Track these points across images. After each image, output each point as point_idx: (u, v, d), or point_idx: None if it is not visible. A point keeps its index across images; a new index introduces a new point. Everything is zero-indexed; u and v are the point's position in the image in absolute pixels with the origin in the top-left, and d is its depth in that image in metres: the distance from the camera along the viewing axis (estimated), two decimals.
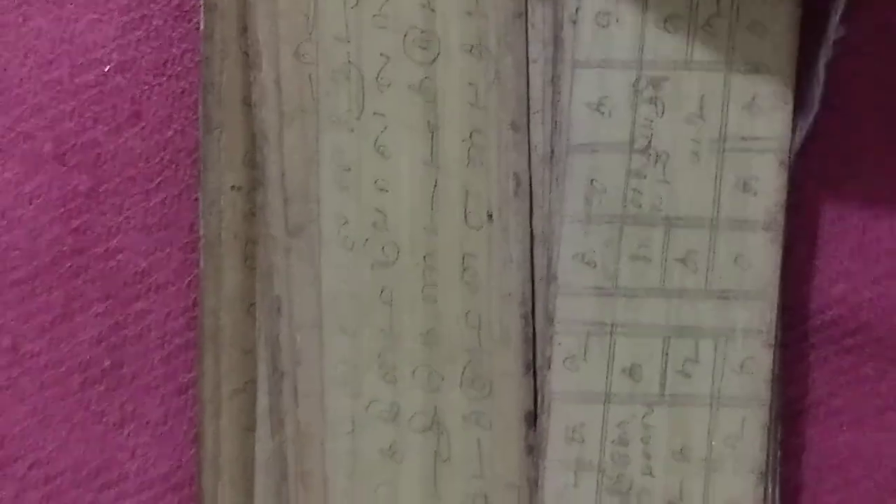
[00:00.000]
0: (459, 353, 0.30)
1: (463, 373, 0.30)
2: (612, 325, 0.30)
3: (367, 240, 0.30)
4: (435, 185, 0.30)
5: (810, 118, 0.30)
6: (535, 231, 0.30)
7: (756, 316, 0.30)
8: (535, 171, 0.30)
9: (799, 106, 0.30)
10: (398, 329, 0.30)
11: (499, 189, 0.30)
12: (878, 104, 0.32)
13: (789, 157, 0.30)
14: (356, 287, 0.30)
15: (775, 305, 0.30)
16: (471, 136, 0.30)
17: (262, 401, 0.31)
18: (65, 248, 0.33)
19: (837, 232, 0.33)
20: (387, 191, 0.30)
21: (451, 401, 0.30)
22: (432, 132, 0.30)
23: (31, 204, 0.33)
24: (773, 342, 0.30)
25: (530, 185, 0.30)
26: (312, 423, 0.30)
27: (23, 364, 0.33)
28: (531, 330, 0.30)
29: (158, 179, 0.33)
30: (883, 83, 0.32)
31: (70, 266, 0.33)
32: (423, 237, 0.30)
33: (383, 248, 0.30)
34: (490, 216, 0.30)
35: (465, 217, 0.30)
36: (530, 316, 0.30)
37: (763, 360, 0.30)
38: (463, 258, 0.30)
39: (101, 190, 0.33)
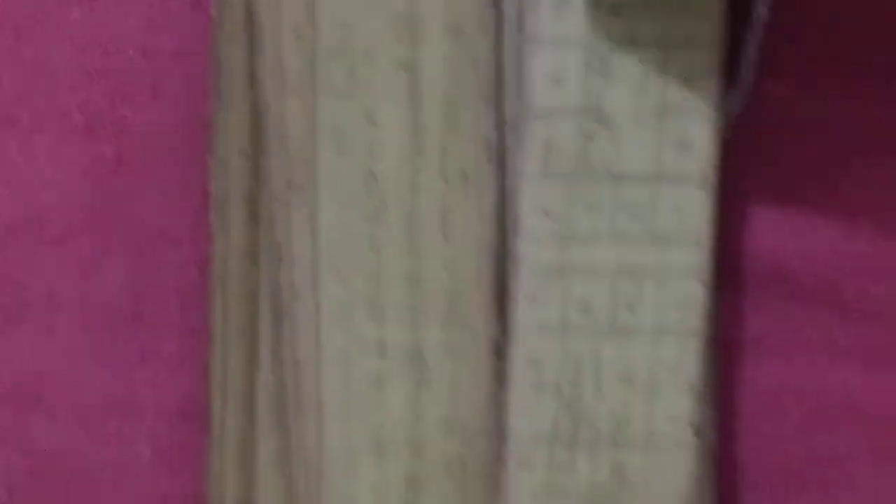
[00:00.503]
0: (438, 295, 0.33)
1: (441, 312, 0.33)
2: (568, 267, 0.32)
3: (358, 196, 0.32)
4: (417, 150, 0.33)
5: (745, 85, 0.33)
6: (505, 189, 0.33)
7: (693, 259, 0.32)
8: (507, 138, 0.33)
9: (734, 75, 0.33)
10: (385, 274, 0.32)
11: (474, 152, 0.33)
12: (808, 74, 0.35)
13: (725, 122, 0.33)
14: (348, 237, 0.32)
15: (709, 250, 0.32)
16: (449, 108, 0.33)
17: (265, 337, 0.33)
18: (94, 209, 0.36)
19: (768, 190, 0.35)
20: (375, 153, 0.32)
21: (430, 336, 0.33)
22: (415, 104, 0.33)
23: (64, 170, 0.36)
24: (707, 281, 0.32)
25: (502, 150, 0.33)
26: (308, 355, 0.32)
27: (57, 309, 0.36)
28: (501, 274, 0.33)
29: (176, 148, 0.35)
30: (814, 49, 0.35)
31: (98, 224, 0.36)
32: (407, 194, 0.32)
33: (372, 203, 0.32)
34: (465, 176, 0.33)
35: (444, 176, 0.33)
36: (501, 262, 0.33)
37: (698, 296, 0.32)
38: (441, 212, 0.33)
39: (125, 158, 0.36)
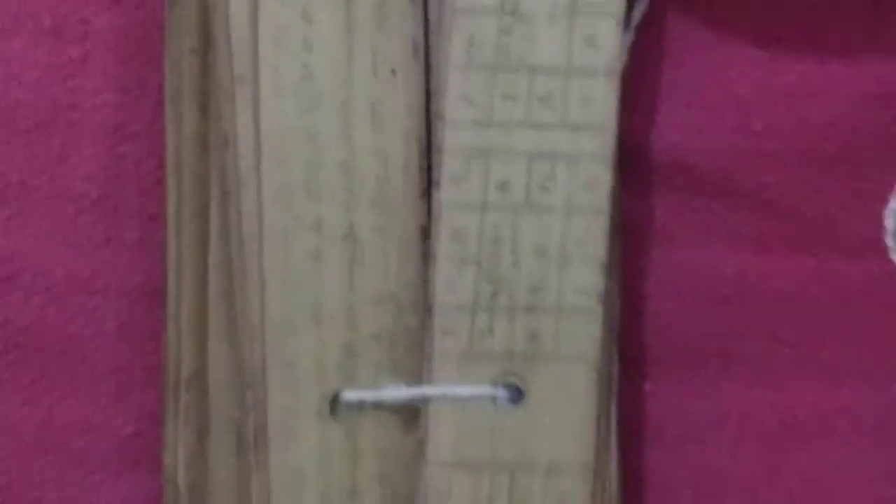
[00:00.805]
0: (370, 179, 0.35)
1: (372, 195, 0.35)
2: (488, 151, 0.35)
3: (295, 88, 0.34)
4: (350, 48, 0.35)
5: None
6: (430, 85, 0.35)
7: (599, 143, 0.34)
8: (432, 37, 0.35)
9: None
10: (320, 160, 0.35)
11: (402, 50, 0.35)
12: None
13: (629, 20, 0.35)
14: (287, 126, 0.34)
15: (614, 136, 0.34)
16: (379, 7, 0.35)
17: (214, 220, 0.35)
18: (62, 105, 0.38)
19: (671, 91, 0.37)
20: (312, 50, 0.35)
21: (363, 217, 0.35)
22: (348, 4, 0.34)
23: (34, 68, 0.38)
24: (611, 165, 0.34)
25: (427, 48, 0.35)
26: (252, 234, 0.34)
27: (27, 196, 0.38)
28: (426, 161, 0.35)
29: (134, 48, 0.37)
30: None
31: (66, 119, 0.38)
32: (341, 88, 0.35)
33: (308, 96, 0.35)
34: (394, 72, 0.35)
35: (375, 72, 0.35)
36: (425, 150, 0.35)
37: (604, 178, 0.34)
38: (372, 104, 0.35)
39: (89, 58, 0.38)
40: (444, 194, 0.35)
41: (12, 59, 0.37)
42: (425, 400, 0.35)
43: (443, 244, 0.35)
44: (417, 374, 0.35)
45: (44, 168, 0.37)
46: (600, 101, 0.35)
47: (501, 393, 0.35)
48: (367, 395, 0.35)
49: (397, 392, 0.35)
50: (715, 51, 0.37)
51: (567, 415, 0.35)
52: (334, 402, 0.35)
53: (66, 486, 0.37)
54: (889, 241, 0.38)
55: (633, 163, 0.37)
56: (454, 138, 0.35)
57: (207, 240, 0.36)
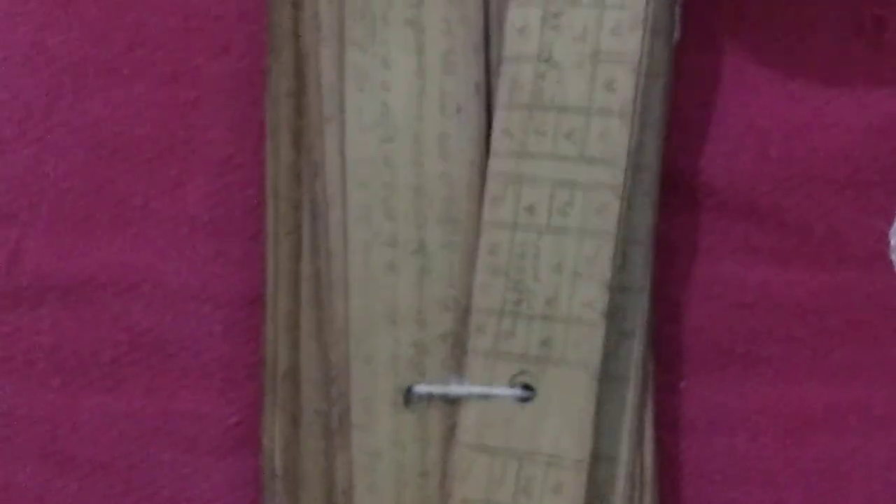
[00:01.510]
0: (438, 201, 0.37)
1: (440, 214, 0.37)
2: (520, 177, 0.37)
3: (375, 124, 0.37)
4: (421, 89, 0.37)
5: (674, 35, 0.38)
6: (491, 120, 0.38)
7: (612, 175, 0.36)
8: (492, 80, 0.37)
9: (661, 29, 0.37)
10: (396, 184, 0.37)
11: (466, 91, 0.37)
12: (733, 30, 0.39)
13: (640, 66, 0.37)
14: (368, 156, 0.37)
15: (625, 169, 0.36)
16: (446, 55, 0.37)
17: (305, 237, 0.37)
18: (178, 139, 0.39)
19: (698, 122, 0.39)
20: (389, 90, 0.37)
21: (431, 233, 0.37)
22: (420, 52, 0.37)
23: (156, 107, 0.39)
24: (621, 195, 0.36)
25: (488, 89, 0.38)
26: (338, 247, 0.37)
27: (149, 217, 0.39)
28: (481, 183, 0.38)
29: (239, 92, 0.40)
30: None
31: (181, 151, 0.39)
32: (413, 123, 0.37)
33: (386, 130, 0.37)
34: (459, 109, 0.37)
35: (443, 109, 0.37)
36: (483, 173, 0.37)
37: (613, 206, 0.36)
38: (440, 137, 0.37)
39: (201, 101, 0.39)
40: (486, 213, 0.37)
41: (138, 100, 0.40)
42: (468, 397, 0.37)
43: (482, 256, 0.37)
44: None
45: (163, 193, 0.40)
46: (615, 137, 0.36)
47: (517, 391, 0.37)
48: (435, 388, 0.37)
49: (460, 388, 0.37)
50: (739, 89, 0.39)
51: (568, 415, 0.36)
52: (407, 394, 0.37)
53: (180, 468, 0.39)
54: (893, 256, 0.39)
55: (670, 186, 0.39)
56: (496, 165, 0.37)
57: (300, 254, 0.38)
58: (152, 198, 0.40)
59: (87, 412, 0.39)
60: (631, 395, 0.37)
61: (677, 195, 0.39)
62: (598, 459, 0.37)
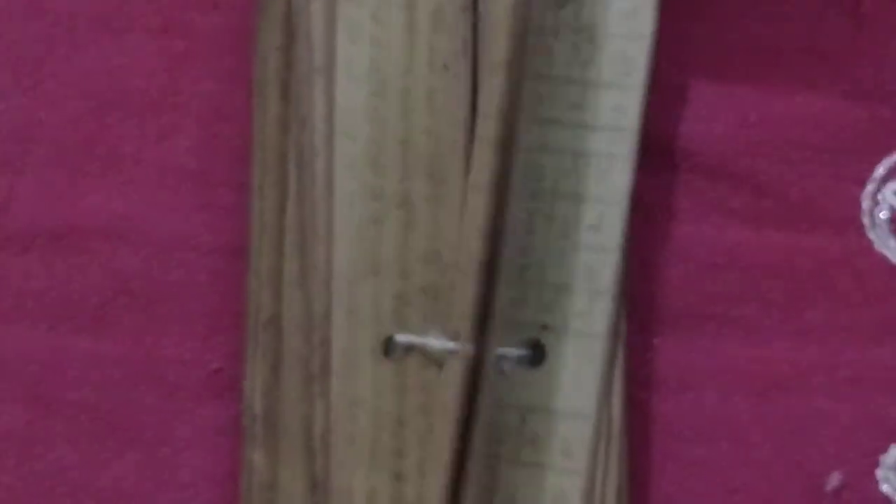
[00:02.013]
0: (423, 156, 0.37)
1: (425, 169, 0.37)
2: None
3: (364, 77, 0.37)
4: (411, 45, 0.37)
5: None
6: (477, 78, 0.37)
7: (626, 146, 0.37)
8: (480, 38, 0.37)
9: None
10: (383, 138, 0.37)
11: (453, 49, 0.37)
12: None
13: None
14: (356, 107, 0.37)
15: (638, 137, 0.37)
16: (435, 13, 0.37)
17: (291, 188, 0.37)
18: (168, 91, 0.39)
19: (678, 88, 0.39)
20: (380, 46, 0.37)
21: (416, 187, 0.37)
22: (409, 7, 0.37)
23: (147, 60, 0.39)
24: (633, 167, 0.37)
25: (475, 50, 0.37)
26: (323, 198, 0.37)
27: (138, 166, 0.39)
28: (471, 144, 0.37)
29: (229, 46, 0.39)
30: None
31: (171, 102, 0.39)
32: (401, 78, 0.37)
33: (376, 81, 0.37)
34: (446, 66, 0.37)
35: (431, 66, 0.37)
36: (471, 134, 0.37)
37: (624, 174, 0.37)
38: (428, 93, 0.37)
39: (192, 52, 0.39)
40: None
41: (129, 52, 0.40)
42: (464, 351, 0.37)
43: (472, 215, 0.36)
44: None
45: (152, 143, 0.39)
46: (627, 107, 0.37)
47: (524, 352, 0.37)
48: (416, 339, 0.37)
49: (440, 343, 0.37)
50: (717, 54, 0.39)
51: (576, 378, 0.37)
52: (387, 344, 0.37)
53: (163, 412, 0.39)
54: (865, 219, 0.39)
55: (646, 150, 0.38)
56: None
57: (285, 205, 0.38)
58: (142, 147, 0.40)
59: (74, 356, 0.39)
60: (602, 352, 0.37)
61: (654, 157, 0.39)
62: (567, 414, 0.37)
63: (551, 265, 0.37)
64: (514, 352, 0.37)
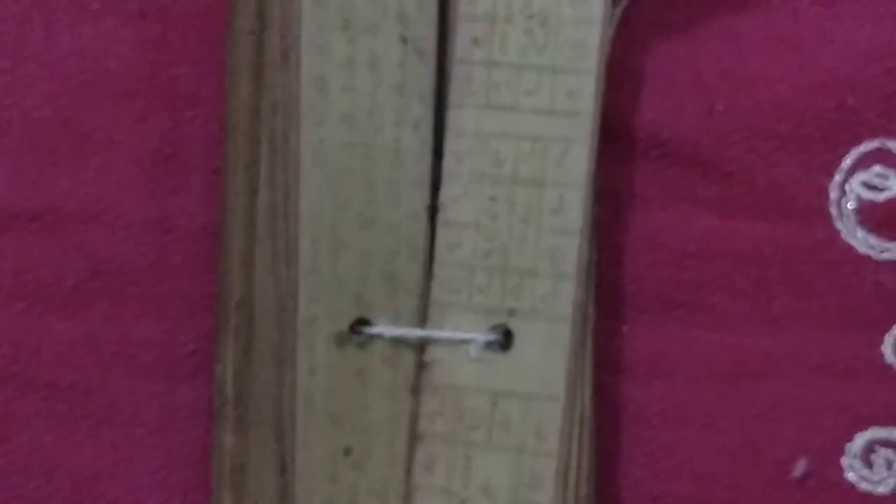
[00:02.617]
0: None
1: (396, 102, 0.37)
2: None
3: (331, 42, 0.36)
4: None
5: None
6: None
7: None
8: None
9: None
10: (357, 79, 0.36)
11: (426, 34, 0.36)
12: None
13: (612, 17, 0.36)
14: (324, 85, 0.36)
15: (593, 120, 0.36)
16: None
17: (263, 171, 0.37)
18: (143, 74, 0.39)
19: (646, 75, 0.39)
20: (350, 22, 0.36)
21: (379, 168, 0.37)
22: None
23: (122, 44, 0.39)
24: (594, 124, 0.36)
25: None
26: (294, 182, 0.36)
27: (113, 149, 0.39)
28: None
29: (203, 30, 0.39)
30: None
31: (146, 86, 0.39)
32: (369, 7, 0.36)
33: (340, 39, 0.36)
34: (421, 52, 0.37)
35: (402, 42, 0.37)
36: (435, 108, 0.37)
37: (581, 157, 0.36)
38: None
39: (167, 36, 0.39)
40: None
41: (105, 35, 0.39)
42: (441, 341, 0.37)
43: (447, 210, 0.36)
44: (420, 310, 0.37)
45: (127, 127, 0.39)
46: (582, 91, 0.36)
47: (494, 338, 0.37)
48: (376, 328, 0.37)
49: (410, 332, 0.37)
50: (686, 43, 0.39)
51: (545, 361, 0.36)
52: (352, 328, 0.37)
53: (137, 393, 0.39)
54: (833, 209, 0.39)
55: (615, 137, 0.38)
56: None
57: (257, 188, 0.37)
58: (117, 131, 0.39)
59: (49, 336, 0.39)
60: (569, 336, 0.37)
61: (624, 146, 0.39)
62: (538, 397, 0.37)
63: (515, 250, 0.36)
64: (482, 337, 0.37)
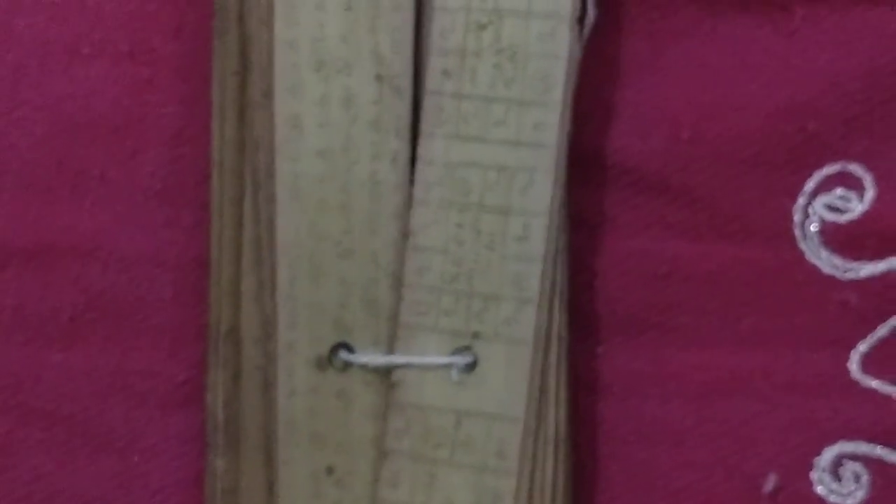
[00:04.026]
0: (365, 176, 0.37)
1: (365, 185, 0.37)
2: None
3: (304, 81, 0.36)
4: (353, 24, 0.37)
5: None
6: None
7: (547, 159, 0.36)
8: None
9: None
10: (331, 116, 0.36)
11: (402, 66, 0.36)
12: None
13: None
14: (298, 123, 0.37)
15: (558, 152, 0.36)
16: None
17: (247, 206, 0.37)
18: (133, 115, 0.39)
19: (615, 104, 0.38)
20: (323, 40, 0.36)
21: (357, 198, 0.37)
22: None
23: (114, 85, 0.39)
24: (559, 155, 0.36)
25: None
26: (276, 213, 0.37)
27: (106, 187, 0.39)
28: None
29: (191, 71, 0.39)
30: None
31: (136, 126, 0.39)
32: (342, 47, 0.36)
33: (313, 78, 0.36)
34: (399, 90, 0.37)
35: (374, 33, 0.36)
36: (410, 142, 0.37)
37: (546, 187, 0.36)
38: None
39: (156, 78, 0.39)
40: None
41: (96, 77, 0.39)
42: (408, 365, 0.37)
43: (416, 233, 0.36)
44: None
45: (119, 164, 0.39)
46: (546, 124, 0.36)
47: (459, 360, 0.37)
48: (366, 356, 0.36)
49: (378, 358, 0.36)
50: (652, 75, 0.39)
51: (507, 383, 0.36)
52: (331, 355, 0.37)
53: (132, 421, 0.39)
54: (797, 231, 0.39)
55: (586, 166, 0.38)
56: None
57: (242, 222, 0.37)
58: (109, 169, 0.39)
59: (48, 368, 0.39)
60: (531, 357, 0.36)
61: (596, 174, 0.39)
62: (499, 417, 0.37)
63: (480, 275, 0.36)
64: (446, 360, 0.37)
